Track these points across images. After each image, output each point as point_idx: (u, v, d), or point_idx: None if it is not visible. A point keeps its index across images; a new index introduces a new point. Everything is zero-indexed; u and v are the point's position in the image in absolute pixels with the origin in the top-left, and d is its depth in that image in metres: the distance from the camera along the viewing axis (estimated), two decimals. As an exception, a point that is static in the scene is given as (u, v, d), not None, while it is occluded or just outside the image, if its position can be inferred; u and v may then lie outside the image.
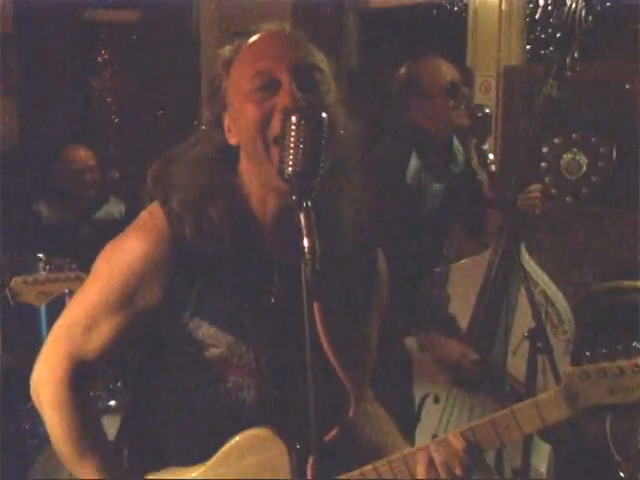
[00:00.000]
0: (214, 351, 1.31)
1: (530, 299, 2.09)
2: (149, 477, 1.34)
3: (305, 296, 1.04)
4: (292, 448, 1.29)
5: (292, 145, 1.12)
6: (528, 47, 4.07)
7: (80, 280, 1.87)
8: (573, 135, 3.75)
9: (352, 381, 1.10)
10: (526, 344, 2.03)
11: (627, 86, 3.85)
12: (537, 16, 4.14)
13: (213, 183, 1.30)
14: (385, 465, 1.26)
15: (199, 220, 1.27)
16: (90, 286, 1.34)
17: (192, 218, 1.27)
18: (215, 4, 4.71)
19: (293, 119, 1.13)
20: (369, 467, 1.27)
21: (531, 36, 4.12)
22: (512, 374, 2.29)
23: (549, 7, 4.10)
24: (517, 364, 2.21)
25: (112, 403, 2.81)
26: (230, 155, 1.32)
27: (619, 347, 1.21)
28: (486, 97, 3.84)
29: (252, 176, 1.30)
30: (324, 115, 1.15)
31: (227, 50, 1.32)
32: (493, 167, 2.57)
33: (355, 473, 1.27)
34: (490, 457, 2.31)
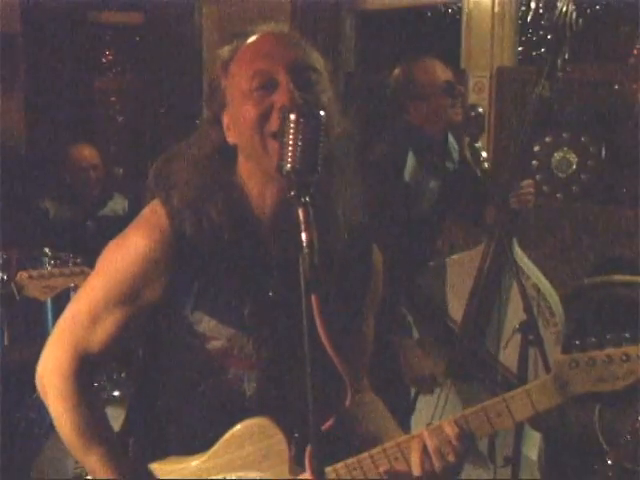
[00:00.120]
0: (215, 343, 1.31)
1: (522, 293, 2.10)
2: (153, 466, 1.34)
3: (303, 290, 1.04)
4: (291, 437, 1.29)
5: (291, 142, 1.11)
6: (520, 49, 4.08)
7: (84, 274, 1.86)
8: (564, 134, 3.76)
9: (349, 372, 1.10)
10: (518, 336, 2.03)
11: (616, 87, 3.86)
12: (529, 19, 4.14)
13: (212, 181, 1.30)
14: (380, 452, 1.26)
15: (199, 217, 1.27)
16: (94, 281, 1.35)
17: (192, 215, 1.27)
18: (217, 6, 4.71)
19: (292, 117, 1.12)
20: (365, 455, 1.27)
21: (523, 38, 4.13)
22: (504, 365, 2.29)
23: (540, 10, 4.11)
24: (509, 355, 2.22)
25: (116, 393, 2.81)
26: (229, 154, 1.32)
27: (608, 336, 1.21)
28: (479, 97, 3.85)
29: (250, 174, 1.30)
30: (322, 113, 1.14)
31: (226, 51, 1.32)
32: (486, 165, 2.57)
33: (351, 460, 1.27)
34: (483, 446, 2.31)
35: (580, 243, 3.48)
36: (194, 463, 1.32)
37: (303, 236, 1.05)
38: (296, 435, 1.28)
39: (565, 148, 3.71)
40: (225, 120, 1.31)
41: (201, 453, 1.32)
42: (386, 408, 1.49)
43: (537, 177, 3.67)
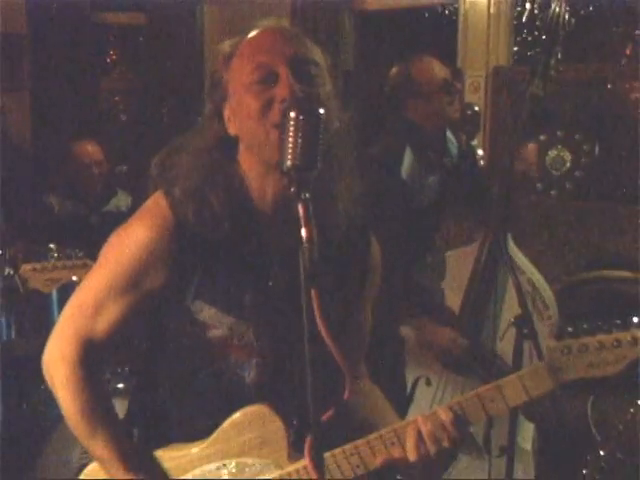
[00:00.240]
0: (215, 332, 1.31)
1: (517, 287, 2.09)
2: (155, 452, 1.34)
3: (303, 283, 1.04)
4: (289, 424, 1.29)
5: (291, 139, 1.11)
6: (515, 49, 4.08)
7: (87, 267, 1.86)
8: (558, 132, 3.75)
9: (347, 363, 1.10)
10: (513, 329, 2.03)
11: (609, 86, 3.86)
12: (524, 19, 4.14)
13: (214, 172, 1.30)
14: (377, 438, 1.27)
15: (201, 208, 1.27)
16: (98, 271, 1.35)
17: (194, 206, 1.27)
18: (218, 7, 4.70)
19: (292, 114, 1.12)
20: (362, 441, 1.27)
21: (518, 38, 4.13)
22: (500, 357, 2.29)
23: (535, 11, 4.10)
24: (505, 348, 2.22)
25: (120, 386, 2.81)
26: (229, 145, 1.32)
27: (599, 323, 1.21)
28: (475, 96, 3.85)
29: (251, 165, 1.30)
30: (321, 111, 1.14)
31: (227, 45, 1.32)
32: (482, 162, 2.57)
33: (349, 446, 1.27)
34: (479, 436, 2.32)
35: (574, 239, 3.48)
36: (194, 450, 1.33)
37: (303, 231, 1.05)
38: (294, 422, 1.29)
39: (559, 146, 3.71)
40: (226, 112, 1.31)
41: (201, 440, 1.33)
42: (383, 395, 1.49)
43: (531, 174, 3.67)
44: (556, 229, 3.49)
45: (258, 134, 1.24)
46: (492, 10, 3.89)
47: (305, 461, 1.18)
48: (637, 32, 3.92)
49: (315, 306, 1.03)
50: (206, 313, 1.30)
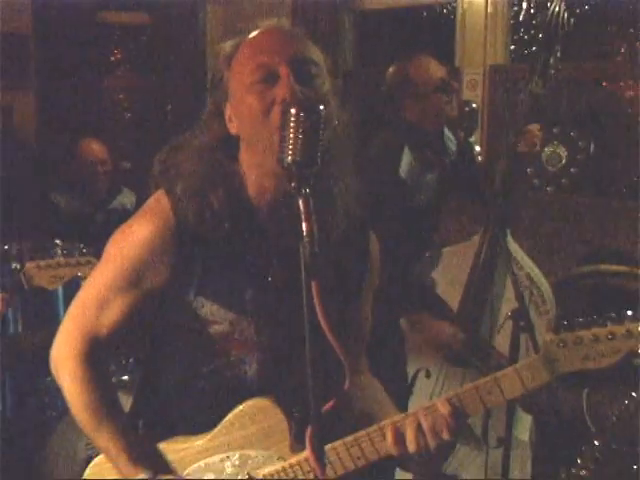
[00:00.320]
0: (217, 327, 1.31)
1: (514, 282, 2.09)
2: (160, 445, 1.34)
3: (304, 276, 1.04)
4: (291, 416, 1.29)
5: (291, 136, 1.11)
6: (512, 47, 4.08)
7: (90, 264, 1.85)
8: (554, 129, 3.75)
9: (347, 355, 1.10)
10: (510, 322, 2.03)
11: (604, 84, 3.85)
12: (520, 18, 4.13)
13: (214, 171, 1.30)
14: (377, 431, 1.26)
15: (201, 207, 1.27)
16: (102, 268, 1.35)
17: (195, 205, 1.27)
18: (220, 7, 4.69)
19: (292, 111, 1.12)
20: (362, 433, 1.27)
21: (515, 37, 4.12)
22: (498, 350, 2.29)
23: (532, 10, 4.10)
24: (502, 341, 2.21)
25: (125, 378, 2.81)
26: (230, 145, 1.32)
27: (594, 316, 1.21)
28: (473, 94, 3.85)
29: (251, 165, 1.30)
30: (321, 107, 1.14)
31: (228, 45, 1.32)
32: (479, 158, 2.56)
33: (349, 438, 1.27)
34: (477, 428, 2.32)
35: (570, 234, 3.47)
36: (199, 442, 1.33)
37: (303, 226, 1.05)
38: (296, 414, 1.29)
39: (555, 142, 3.70)
40: (227, 112, 1.31)
41: (205, 432, 1.33)
42: (383, 389, 1.48)
43: (528, 170, 3.67)
44: (552, 224, 3.49)
45: (260, 135, 1.24)
46: (489, 9, 3.88)
47: (307, 452, 1.18)
48: (631, 31, 3.91)
49: (316, 299, 1.03)
50: (208, 309, 1.31)
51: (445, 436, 1.23)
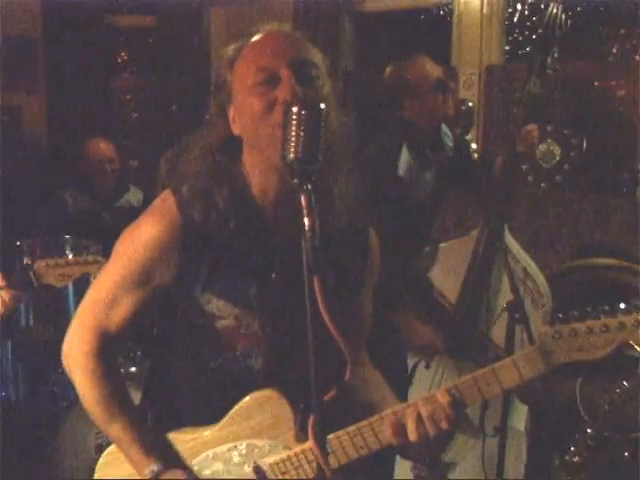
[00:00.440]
0: (223, 322, 1.31)
1: (510, 275, 2.09)
2: (169, 436, 1.34)
3: (305, 270, 1.03)
4: (296, 407, 1.29)
5: (293, 133, 1.10)
6: (507, 47, 4.07)
7: (97, 263, 1.85)
8: (548, 127, 3.74)
9: (348, 347, 1.10)
10: (506, 315, 2.02)
11: (596, 83, 3.85)
12: (515, 19, 4.12)
13: (219, 172, 1.30)
14: (378, 420, 1.27)
15: (206, 206, 1.28)
16: (111, 267, 1.35)
17: (200, 204, 1.28)
18: (224, 10, 4.68)
19: (294, 109, 1.11)
20: (364, 422, 1.27)
21: (510, 37, 4.12)
22: (495, 342, 2.28)
23: (526, 12, 4.10)
24: (498, 333, 2.21)
25: (133, 369, 2.81)
26: (234, 146, 1.32)
27: (588, 309, 1.21)
28: (469, 93, 3.85)
29: (254, 164, 1.30)
30: (322, 106, 1.14)
31: (231, 49, 1.32)
32: (475, 155, 2.55)
33: (352, 428, 1.27)
34: (474, 417, 2.31)
35: (563, 229, 3.47)
36: (207, 432, 1.33)
37: (305, 221, 1.04)
38: (301, 405, 1.28)
39: (549, 140, 3.70)
40: (230, 113, 1.31)
41: (213, 423, 1.33)
42: (384, 380, 1.48)
43: (523, 167, 3.66)
44: (546, 219, 3.49)
45: (262, 134, 1.24)
46: (485, 11, 3.89)
47: (310, 442, 1.18)
48: (623, 32, 3.91)
49: (317, 293, 1.03)
50: (214, 305, 1.31)
51: (444, 426, 1.23)
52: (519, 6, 4.10)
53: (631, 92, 3.66)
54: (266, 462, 1.30)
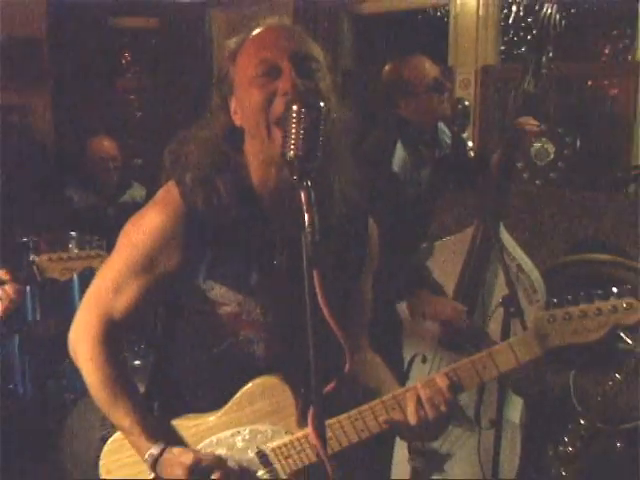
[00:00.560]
0: (226, 309, 1.31)
1: (505, 271, 2.07)
2: (174, 422, 1.35)
3: (305, 264, 1.04)
4: (298, 392, 1.29)
5: (293, 131, 1.11)
6: (502, 48, 4.07)
7: (100, 257, 1.85)
8: (542, 126, 3.72)
9: (348, 338, 1.10)
10: (501, 310, 2.01)
11: (589, 83, 3.84)
12: (510, 21, 4.12)
13: (221, 162, 1.30)
14: (379, 404, 1.26)
15: (209, 195, 1.27)
16: (116, 255, 1.35)
17: (203, 193, 1.27)
18: (225, 12, 4.67)
19: (294, 108, 1.12)
20: (365, 407, 1.27)
21: (505, 38, 4.12)
22: (490, 336, 2.27)
23: (521, 13, 4.09)
24: (494, 327, 2.20)
25: (137, 363, 2.81)
26: (235, 136, 1.31)
27: (582, 294, 1.21)
28: (465, 92, 3.85)
29: (254, 155, 1.30)
30: (322, 104, 1.14)
31: (232, 42, 1.32)
32: (472, 153, 2.53)
33: (353, 412, 1.27)
34: (470, 410, 2.31)
35: (557, 225, 3.46)
36: (211, 418, 1.33)
37: (305, 216, 1.04)
38: (302, 391, 1.28)
39: (543, 139, 3.69)
40: (232, 104, 1.31)
41: (217, 409, 1.33)
42: (385, 365, 1.48)
43: (518, 165, 3.65)
44: (541, 216, 3.48)
45: (261, 128, 1.24)
46: (481, 12, 3.90)
47: (309, 431, 1.17)
48: (615, 33, 3.90)
49: (317, 287, 1.03)
50: (217, 291, 1.30)
51: (443, 408, 1.23)
52: (514, 8, 4.10)
53: (623, 91, 3.66)
54: (269, 447, 1.30)
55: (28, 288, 2.22)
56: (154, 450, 1.27)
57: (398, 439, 2.38)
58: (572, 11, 3.87)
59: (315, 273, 1.02)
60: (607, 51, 4.01)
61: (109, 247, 1.64)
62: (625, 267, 2.91)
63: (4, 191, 3.11)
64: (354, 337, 1.38)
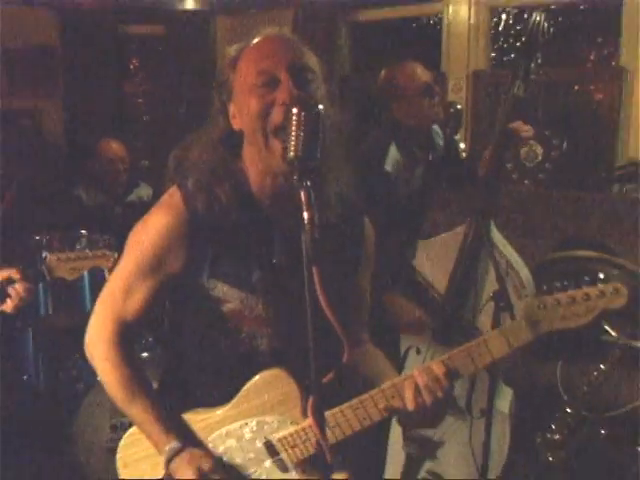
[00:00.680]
0: (229, 305, 1.31)
1: (495, 267, 2.07)
2: (184, 416, 1.34)
3: (305, 262, 1.04)
4: (302, 384, 1.28)
5: (293, 133, 1.11)
6: (493, 54, 4.07)
7: (105, 257, 1.86)
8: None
9: (346, 332, 1.09)
10: (492, 304, 2.01)
11: (575, 87, 3.84)
12: (500, 28, 4.12)
13: (221, 167, 1.30)
14: (379, 393, 1.26)
15: (209, 200, 1.28)
16: (125, 260, 1.36)
17: (203, 198, 1.28)
18: (229, 20, 4.66)
19: (294, 111, 1.12)
20: (366, 395, 1.26)
21: (495, 45, 4.11)
22: (481, 329, 2.26)
23: (510, 21, 4.09)
24: (485, 320, 2.19)
25: (144, 355, 2.80)
26: (234, 140, 1.31)
27: (570, 281, 1.20)
28: (457, 96, 3.85)
29: (252, 161, 1.30)
30: (320, 107, 1.14)
31: (233, 49, 1.32)
32: (464, 154, 2.52)
33: (355, 401, 1.26)
34: (461, 399, 2.30)
35: (545, 223, 3.46)
36: (219, 412, 1.33)
37: (305, 215, 1.04)
38: (307, 382, 1.26)
39: (532, 141, 3.68)
40: (231, 109, 1.31)
41: (225, 403, 1.32)
42: (384, 356, 1.47)
43: (508, 166, 3.65)
44: (530, 214, 3.47)
45: (258, 137, 1.24)
46: (472, 21, 3.90)
47: (309, 421, 1.16)
48: (600, 40, 3.90)
49: (317, 283, 1.03)
50: (220, 289, 1.30)
51: (440, 395, 1.22)
52: (504, 16, 4.10)
53: (608, 95, 3.65)
54: (275, 437, 1.29)
55: (40, 284, 2.21)
56: (174, 444, 1.26)
57: (393, 427, 2.38)
58: (559, 19, 3.87)
59: (315, 270, 1.02)
60: (592, 57, 4.01)
61: (118, 243, 1.64)
62: (610, 263, 2.90)
63: (18, 191, 3.10)
64: (354, 331, 1.37)
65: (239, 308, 1.30)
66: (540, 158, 3.71)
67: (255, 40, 1.30)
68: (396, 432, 2.40)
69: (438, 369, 1.23)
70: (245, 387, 1.31)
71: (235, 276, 1.30)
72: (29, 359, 3.01)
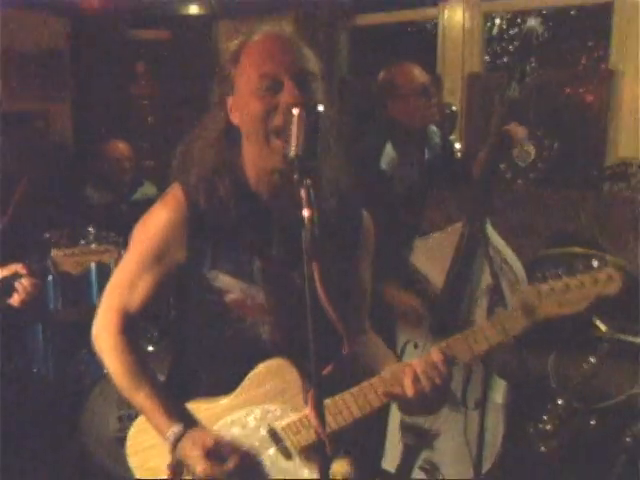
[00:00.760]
0: (231, 295, 1.31)
1: (490, 263, 2.06)
2: (189, 405, 1.33)
3: (305, 258, 1.03)
4: (304, 373, 1.28)
5: (294, 133, 1.11)
6: (486, 58, 4.06)
7: (109, 251, 1.87)
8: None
9: (346, 324, 1.08)
10: (486, 298, 2.00)
11: (567, 89, 3.84)
12: (494, 33, 4.11)
13: (220, 163, 1.30)
14: (378, 380, 1.25)
15: (210, 195, 1.28)
16: (129, 254, 1.36)
17: (204, 194, 1.28)
18: (232, 24, 4.65)
19: (295, 111, 1.12)
20: (366, 383, 1.25)
21: (489, 49, 4.10)
22: (476, 322, 2.26)
23: (504, 26, 4.08)
24: (480, 313, 2.19)
25: (150, 349, 2.79)
26: (233, 134, 1.30)
27: (565, 269, 1.19)
28: (452, 98, 3.84)
29: (251, 159, 1.30)
30: (320, 108, 1.14)
31: (234, 44, 1.31)
32: (459, 154, 2.51)
33: (355, 389, 1.26)
34: (457, 391, 2.29)
35: (537, 221, 3.45)
36: (224, 401, 1.32)
37: (305, 212, 1.04)
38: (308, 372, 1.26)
39: (524, 141, 3.67)
40: (229, 103, 1.30)
41: (229, 392, 1.32)
42: (384, 345, 1.47)
43: (501, 166, 3.64)
44: (523, 212, 3.47)
45: (259, 137, 1.23)
46: (467, 25, 3.89)
47: (308, 411, 1.15)
48: (590, 44, 3.89)
49: (317, 278, 1.03)
50: (221, 280, 1.30)
51: (438, 381, 1.21)
52: (497, 21, 4.09)
53: (598, 97, 3.64)
54: (279, 425, 1.29)
55: (50, 278, 2.21)
56: (176, 429, 1.26)
57: (391, 418, 2.38)
58: (551, 24, 3.87)
59: (315, 266, 1.01)
60: (583, 60, 4.01)
61: (124, 240, 1.64)
62: (602, 260, 2.89)
63: (28, 191, 3.10)
64: (355, 322, 1.37)
65: (241, 298, 1.30)
66: (532, 158, 3.69)
67: (256, 37, 1.29)
68: (394, 423, 2.39)
69: (436, 356, 1.22)
70: (248, 376, 1.30)
71: (236, 267, 1.30)
72: (39, 352, 3.01)
